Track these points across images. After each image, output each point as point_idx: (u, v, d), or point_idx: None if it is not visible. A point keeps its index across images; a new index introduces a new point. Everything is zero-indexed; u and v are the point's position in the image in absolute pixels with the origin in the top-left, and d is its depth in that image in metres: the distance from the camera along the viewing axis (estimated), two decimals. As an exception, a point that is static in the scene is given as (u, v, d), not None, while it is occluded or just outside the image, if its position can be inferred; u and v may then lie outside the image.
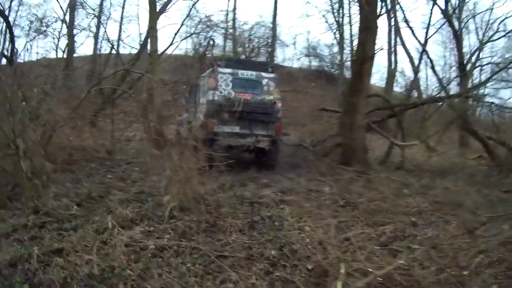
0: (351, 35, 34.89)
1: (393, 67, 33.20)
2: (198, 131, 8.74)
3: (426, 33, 25.72)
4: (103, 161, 12.17)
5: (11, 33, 21.15)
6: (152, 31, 14.31)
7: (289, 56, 47.22)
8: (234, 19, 36.85)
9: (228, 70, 11.40)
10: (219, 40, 35.77)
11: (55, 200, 7.53)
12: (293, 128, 24.42)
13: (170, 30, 72.94)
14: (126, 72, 20.86)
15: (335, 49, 38.97)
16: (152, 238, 6.06)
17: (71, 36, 26.15)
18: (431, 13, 26.05)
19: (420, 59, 25.09)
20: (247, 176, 10.71)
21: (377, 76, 45.00)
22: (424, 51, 23.70)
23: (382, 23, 35.18)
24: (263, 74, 11.70)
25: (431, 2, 23.59)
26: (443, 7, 21.29)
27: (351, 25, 34.76)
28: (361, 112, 12.54)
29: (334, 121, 28.32)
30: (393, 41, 32.47)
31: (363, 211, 7.93)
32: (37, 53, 28.57)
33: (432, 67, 22.86)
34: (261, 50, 38.33)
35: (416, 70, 25.34)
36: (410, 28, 25.75)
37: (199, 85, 12.33)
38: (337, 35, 35.85)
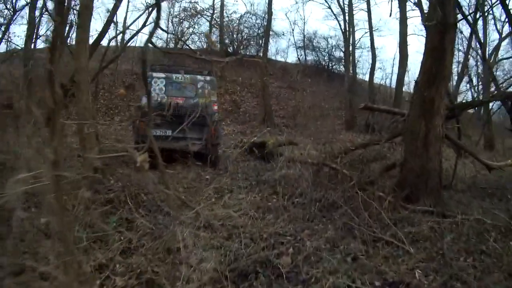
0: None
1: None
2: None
3: (475, 11, 17.78)
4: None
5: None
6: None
7: (283, 48, 40.95)
8: (222, 5, 31.44)
9: (162, 75, 11.43)
10: (204, 29, 30.97)
11: None
12: (297, 133, 19.42)
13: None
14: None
15: (333, 41, 33.83)
16: None
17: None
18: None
19: (469, 46, 19.20)
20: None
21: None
22: (473, 33, 16.54)
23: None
24: (198, 77, 11.64)
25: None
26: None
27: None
28: (440, 113, 7.30)
29: (341, 122, 23.82)
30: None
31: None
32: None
33: (483, 55, 16.84)
34: (251, 42, 33.14)
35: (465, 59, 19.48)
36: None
37: None
38: (342, 24, 30.00)
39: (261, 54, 29.21)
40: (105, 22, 18.24)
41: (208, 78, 11.68)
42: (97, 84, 14.45)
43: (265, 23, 27.95)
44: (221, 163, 11.70)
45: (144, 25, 18.07)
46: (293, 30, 35.77)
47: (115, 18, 18.93)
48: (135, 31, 22.67)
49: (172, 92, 11.29)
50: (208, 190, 8.37)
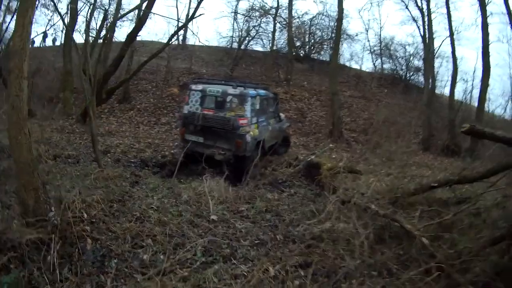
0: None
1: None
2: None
3: None
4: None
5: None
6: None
7: (357, 52, 36.40)
8: (290, 4, 27.08)
9: (200, 87, 11.71)
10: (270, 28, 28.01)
11: None
12: (367, 150, 16.05)
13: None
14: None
15: (411, 49, 29.83)
16: None
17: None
18: None
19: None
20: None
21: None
22: None
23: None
24: (229, 91, 11.38)
25: None
26: None
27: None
28: None
29: (417, 141, 20.16)
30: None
31: None
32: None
33: None
34: (325, 46, 29.54)
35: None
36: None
37: None
38: (421, 29, 25.56)
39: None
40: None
41: (237, 92, 11.35)
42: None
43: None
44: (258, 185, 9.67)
45: (192, 17, 15.61)
46: (367, 30, 31.62)
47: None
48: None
49: (205, 104, 11.57)
50: (198, 246, 5.02)
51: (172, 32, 18.07)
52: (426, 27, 24.30)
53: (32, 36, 19.86)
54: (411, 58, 30.46)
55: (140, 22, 15.33)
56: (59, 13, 14.12)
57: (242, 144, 11.01)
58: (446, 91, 25.78)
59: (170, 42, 16.16)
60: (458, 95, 25.42)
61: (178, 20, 24.27)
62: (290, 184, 9.84)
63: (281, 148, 13.48)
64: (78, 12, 18.64)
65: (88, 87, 10.10)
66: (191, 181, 9.14)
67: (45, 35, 28.40)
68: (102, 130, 15.43)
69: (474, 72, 25.53)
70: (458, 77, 24.17)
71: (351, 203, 6.18)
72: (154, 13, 15.32)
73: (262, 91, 12.34)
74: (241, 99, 11.26)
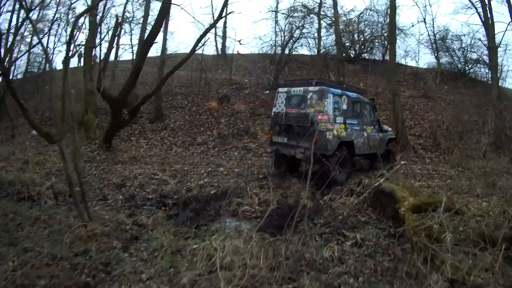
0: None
1: None
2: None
3: None
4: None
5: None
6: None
7: (413, 46, 32.77)
8: (335, 3, 24.02)
9: (285, 89, 11.68)
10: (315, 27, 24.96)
11: None
12: (439, 159, 14.21)
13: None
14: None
15: (467, 39, 26.29)
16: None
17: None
18: None
19: None
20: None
21: None
22: None
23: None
24: (309, 88, 11.09)
25: None
26: None
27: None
28: None
29: (489, 143, 17.19)
30: None
31: None
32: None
33: None
34: (376, 43, 26.52)
35: None
36: None
37: None
38: (482, 15, 21.21)
39: (387, 57, 22.05)
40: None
41: (316, 88, 10.91)
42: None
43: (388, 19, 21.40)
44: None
45: (220, 17, 13.39)
46: (424, 19, 28.21)
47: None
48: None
49: (289, 104, 11.41)
50: None
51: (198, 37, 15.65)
52: (488, 11, 20.52)
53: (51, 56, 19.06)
54: (469, 49, 26.91)
55: (158, 23, 13.17)
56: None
57: (320, 141, 10.21)
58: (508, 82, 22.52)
59: (197, 48, 13.61)
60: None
61: (214, 21, 22.22)
62: (355, 222, 6.79)
63: (383, 163, 11.49)
64: (97, 27, 16.93)
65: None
66: (215, 230, 6.16)
67: (80, 55, 26.93)
68: (126, 156, 13.28)
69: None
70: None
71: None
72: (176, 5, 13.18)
73: (351, 93, 11.81)
74: (321, 95, 10.86)
